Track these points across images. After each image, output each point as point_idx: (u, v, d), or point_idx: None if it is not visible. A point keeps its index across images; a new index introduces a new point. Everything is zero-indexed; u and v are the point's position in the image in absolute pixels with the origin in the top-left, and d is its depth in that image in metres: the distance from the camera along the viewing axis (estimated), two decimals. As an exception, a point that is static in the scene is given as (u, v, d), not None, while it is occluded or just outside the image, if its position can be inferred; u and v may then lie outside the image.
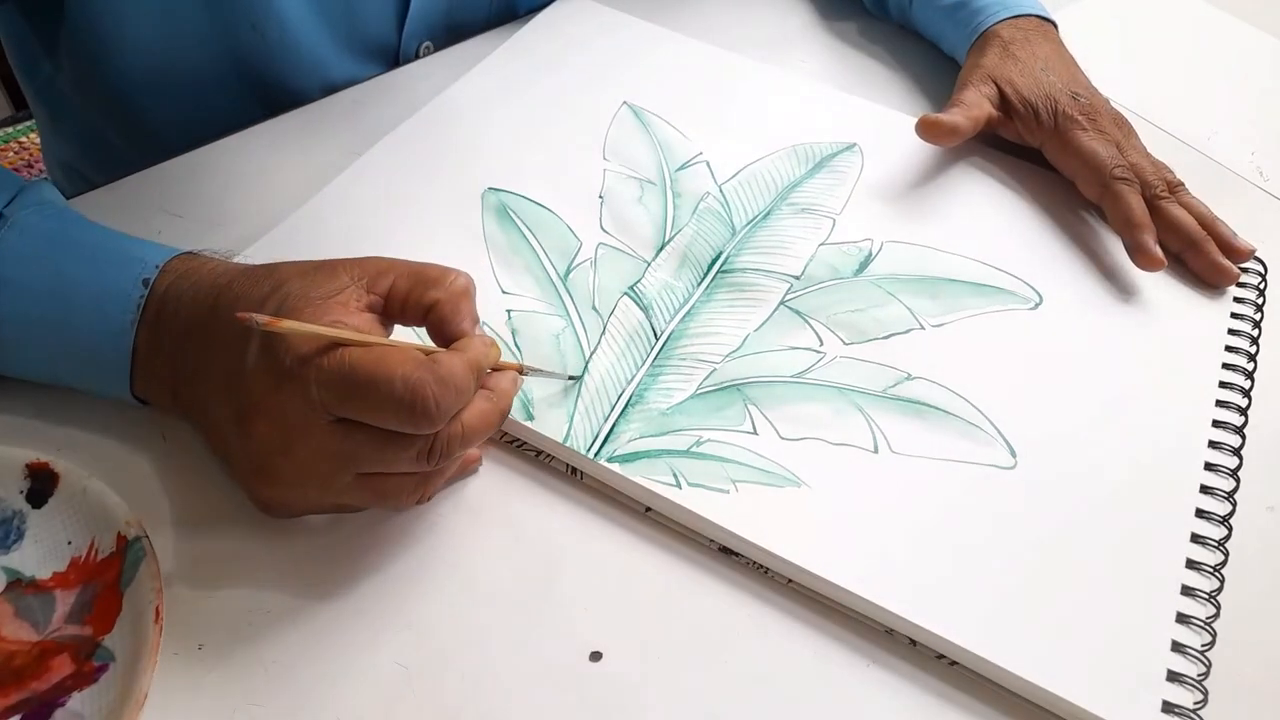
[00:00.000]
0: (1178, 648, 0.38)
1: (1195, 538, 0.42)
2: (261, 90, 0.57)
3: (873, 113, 0.59)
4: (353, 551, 0.39)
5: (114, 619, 0.36)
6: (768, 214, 0.53)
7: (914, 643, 0.39)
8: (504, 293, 0.47)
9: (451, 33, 0.62)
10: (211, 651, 0.36)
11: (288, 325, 0.34)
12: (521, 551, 0.40)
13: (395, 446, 0.35)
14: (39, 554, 0.37)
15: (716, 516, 0.40)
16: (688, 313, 0.48)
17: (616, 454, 0.42)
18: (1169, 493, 0.43)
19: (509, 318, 0.46)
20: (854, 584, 0.39)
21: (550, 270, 0.49)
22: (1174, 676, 0.37)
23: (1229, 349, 0.49)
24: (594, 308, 0.47)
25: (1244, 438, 0.45)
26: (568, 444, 0.42)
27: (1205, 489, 0.43)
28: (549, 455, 0.43)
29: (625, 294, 0.48)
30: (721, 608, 0.39)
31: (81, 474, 0.38)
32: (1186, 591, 0.40)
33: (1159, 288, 0.52)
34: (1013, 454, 0.44)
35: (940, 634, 0.38)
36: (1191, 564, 0.41)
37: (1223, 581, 0.41)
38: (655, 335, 0.47)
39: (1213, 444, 0.45)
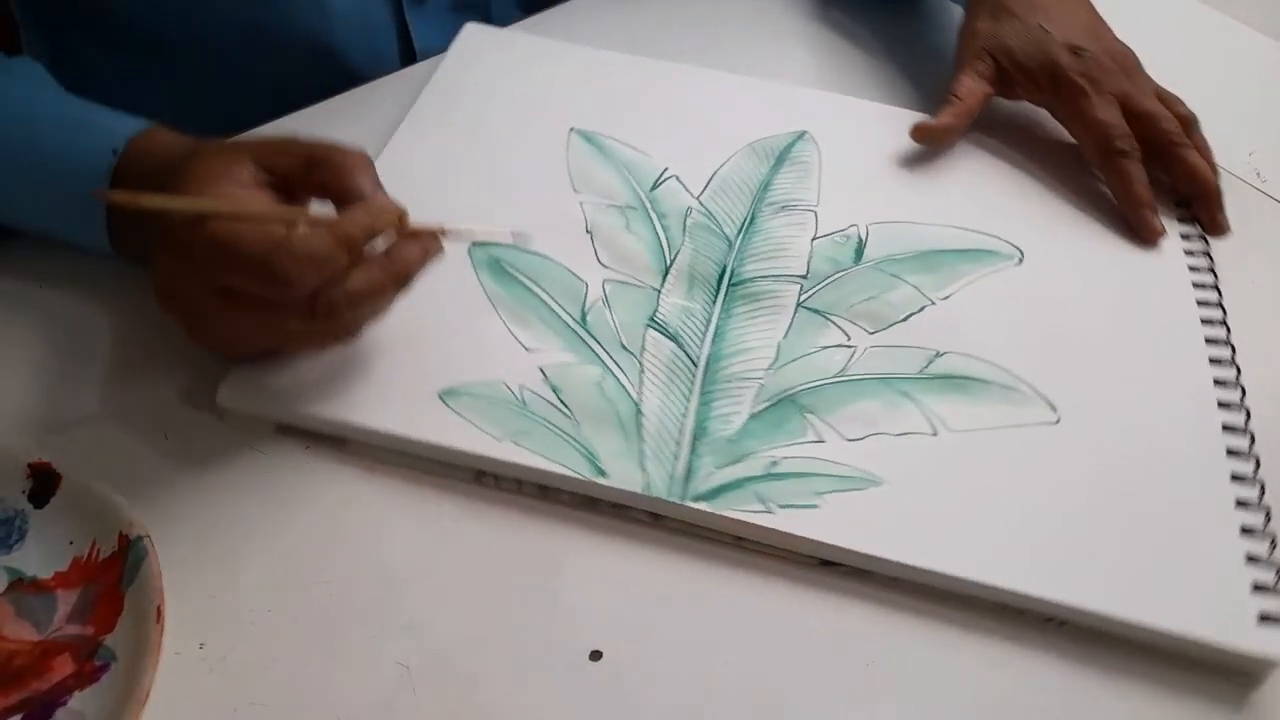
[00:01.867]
0: (1252, 560, 0.41)
1: (1230, 452, 0.45)
2: (261, 21, 0.57)
3: (813, 98, 0.60)
4: (353, 551, 0.40)
5: (115, 619, 0.36)
6: (753, 218, 0.53)
7: (1021, 611, 0.40)
8: (528, 350, 0.45)
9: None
10: (213, 651, 0.37)
11: (148, 200, 0.37)
12: (522, 551, 0.40)
13: (275, 309, 0.38)
14: (41, 554, 0.38)
15: (814, 534, 0.40)
16: (715, 334, 0.47)
17: (700, 492, 0.41)
18: (1194, 415, 0.46)
19: (545, 376, 0.45)
20: (966, 570, 0.40)
21: (566, 318, 0.47)
22: (1258, 588, 0.40)
23: (1196, 284, 0.52)
24: (623, 347, 0.46)
25: (1239, 369, 0.48)
26: (649, 493, 0.41)
27: (1223, 404, 0.47)
28: (627, 507, 0.42)
29: (648, 326, 0.47)
30: (722, 607, 0.39)
31: (84, 474, 0.38)
32: (1241, 505, 0.43)
33: (1119, 228, 0.55)
34: (1053, 408, 0.46)
35: (1059, 600, 0.39)
36: (1235, 477, 0.44)
37: (1264, 488, 0.44)
38: (693, 362, 0.46)
39: (1214, 360, 0.48)
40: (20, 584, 0.37)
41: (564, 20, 0.65)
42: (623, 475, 0.41)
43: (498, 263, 0.49)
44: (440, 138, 0.55)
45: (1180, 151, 0.55)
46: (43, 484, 0.39)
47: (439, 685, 0.37)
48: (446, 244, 0.42)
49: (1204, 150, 0.56)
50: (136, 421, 0.42)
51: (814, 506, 0.41)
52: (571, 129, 0.56)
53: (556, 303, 0.48)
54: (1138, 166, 0.54)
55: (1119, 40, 0.58)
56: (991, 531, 0.41)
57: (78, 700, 0.34)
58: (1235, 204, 0.56)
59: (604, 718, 0.36)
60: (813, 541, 0.40)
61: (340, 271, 0.38)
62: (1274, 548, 0.42)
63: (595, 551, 0.40)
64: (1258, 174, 0.58)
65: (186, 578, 0.38)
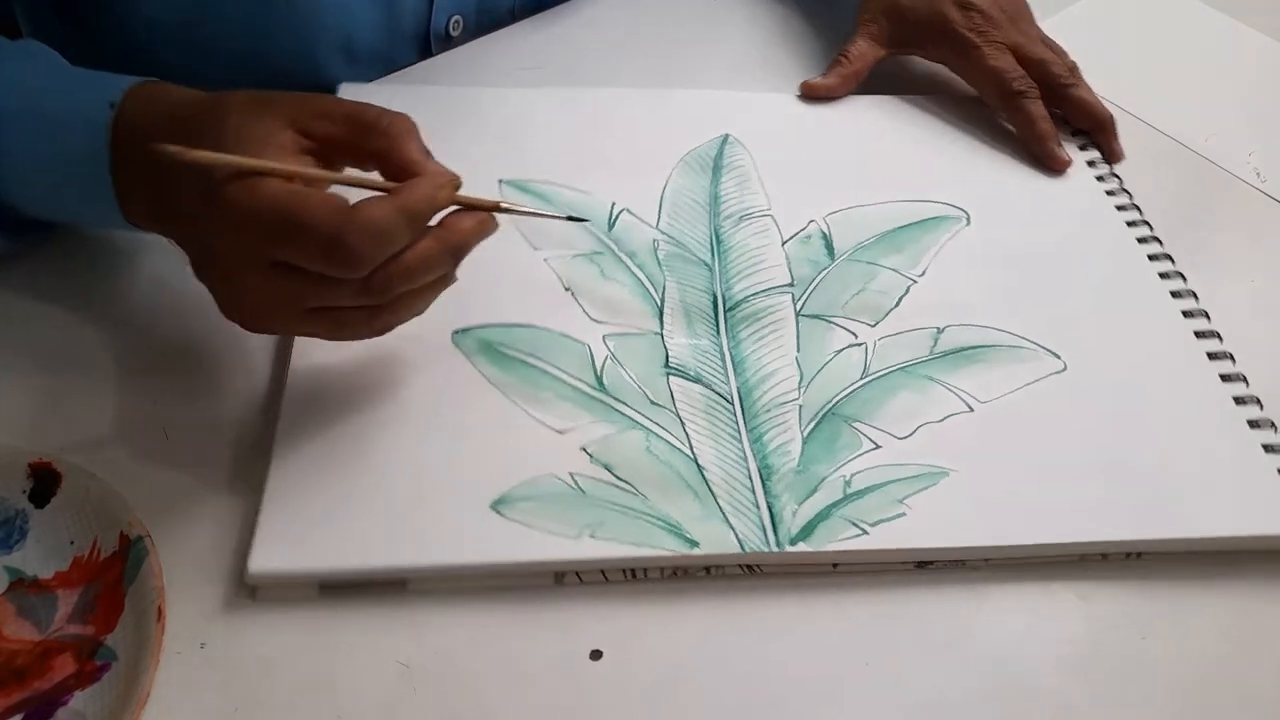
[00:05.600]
0: (1270, 449, 0.45)
1: (1211, 355, 0.49)
2: (287, 64, 0.55)
3: (721, 99, 0.59)
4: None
5: (116, 618, 0.36)
6: (718, 236, 0.52)
7: (1104, 556, 0.42)
8: (561, 433, 0.43)
9: (483, 11, 0.62)
10: (213, 651, 0.36)
11: (200, 155, 0.35)
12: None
13: (330, 286, 0.36)
14: (41, 553, 0.38)
15: (913, 542, 0.40)
16: (734, 365, 0.46)
17: (794, 534, 0.40)
18: (1169, 329, 0.50)
19: (591, 456, 0.42)
20: (1060, 534, 0.41)
21: (583, 387, 0.44)
22: (1286, 472, 0.44)
23: (1118, 207, 0.55)
24: (653, 402, 0.44)
25: (1184, 277, 0.52)
26: (748, 550, 0.39)
27: (1186, 314, 0.50)
28: (719, 568, 0.40)
29: (668, 373, 0.45)
30: (721, 606, 0.39)
31: (84, 473, 0.38)
32: (1240, 401, 0.47)
33: (1033, 165, 0.58)
34: (1057, 356, 0.48)
35: (1144, 537, 0.41)
36: (1225, 378, 0.48)
37: (1247, 379, 0.48)
38: (726, 400, 0.45)
39: (1163, 275, 0.52)
40: (21, 583, 0.37)
41: (444, 63, 0.61)
42: (714, 540, 0.40)
43: (490, 346, 0.45)
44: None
45: (1071, 91, 0.59)
46: (43, 483, 0.38)
47: (439, 685, 0.36)
48: (500, 221, 0.40)
49: (1090, 91, 0.59)
50: (137, 421, 0.42)
51: (902, 515, 0.41)
52: (500, 181, 0.53)
53: (567, 373, 0.45)
54: (1037, 104, 0.57)
55: None
56: (1060, 489, 0.43)
57: (79, 700, 0.34)
58: (1235, 204, 0.58)
59: (604, 718, 0.36)
60: (914, 550, 0.40)
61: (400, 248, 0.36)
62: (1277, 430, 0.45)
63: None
64: (1258, 174, 0.58)
65: (187, 577, 0.38)
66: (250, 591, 0.38)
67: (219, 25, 0.54)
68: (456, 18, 0.60)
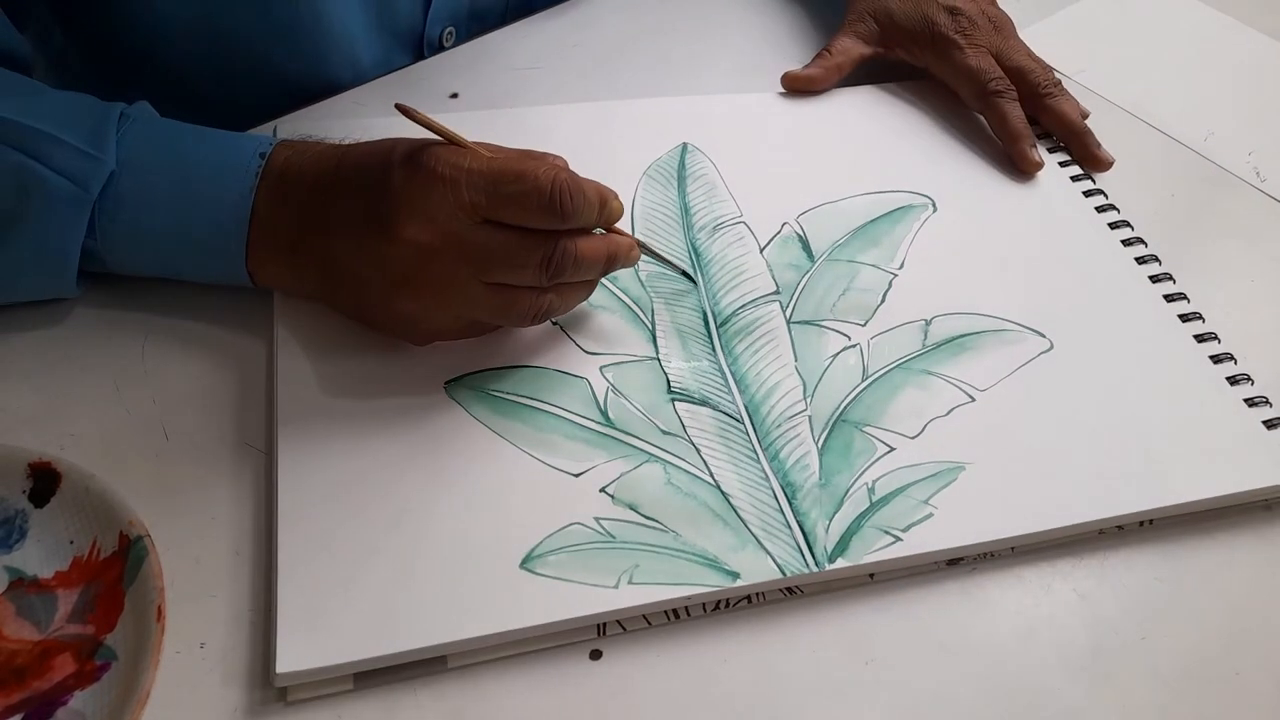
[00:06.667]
0: (1252, 403, 0.47)
1: (1183, 317, 0.50)
2: (290, 71, 0.56)
3: (674, 105, 0.58)
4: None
5: (116, 618, 0.36)
6: (696, 250, 0.51)
7: (1120, 527, 0.43)
8: (577, 476, 0.41)
9: (474, 20, 0.64)
10: (213, 650, 0.36)
11: (437, 121, 0.39)
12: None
13: (525, 249, 0.40)
14: (41, 553, 0.38)
15: (947, 543, 0.40)
16: (737, 382, 0.45)
17: (831, 550, 0.40)
18: (1142, 298, 0.51)
19: (613, 498, 0.40)
20: (1086, 513, 0.42)
21: (590, 424, 0.43)
22: (1271, 424, 0.46)
23: (1085, 194, 0.56)
24: (664, 432, 0.43)
25: (1146, 244, 0.54)
26: (788, 574, 0.39)
27: (1154, 279, 0.52)
28: (760, 595, 0.39)
29: (673, 400, 0.44)
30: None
31: (84, 473, 0.38)
32: (1216, 360, 0.48)
33: (997, 157, 0.58)
34: (1042, 335, 0.49)
35: (1157, 505, 0.42)
36: (1199, 338, 0.49)
37: (1219, 337, 0.50)
38: (736, 420, 0.44)
39: (1125, 242, 0.54)
40: (21, 583, 0.37)
41: (442, 64, 0.60)
42: (754, 569, 0.39)
43: (486, 393, 0.43)
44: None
45: (1049, 101, 0.58)
46: (43, 483, 0.39)
47: (440, 685, 0.36)
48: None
49: (1073, 103, 0.59)
50: (137, 421, 0.42)
51: (930, 515, 0.41)
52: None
53: (571, 412, 0.43)
54: (1013, 104, 0.57)
55: (997, 6, 0.61)
56: (1071, 468, 0.43)
57: (78, 700, 0.34)
58: (1235, 204, 0.57)
59: (604, 718, 0.36)
60: (949, 550, 0.40)
61: (584, 228, 0.41)
62: (1263, 396, 0.47)
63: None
64: (1257, 174, 0.58)
65: (187, 577, 0.38)
66: (279, 693, 0.35)
67: (230, 29, 0.54)
68: (450, 29, 0.62)
